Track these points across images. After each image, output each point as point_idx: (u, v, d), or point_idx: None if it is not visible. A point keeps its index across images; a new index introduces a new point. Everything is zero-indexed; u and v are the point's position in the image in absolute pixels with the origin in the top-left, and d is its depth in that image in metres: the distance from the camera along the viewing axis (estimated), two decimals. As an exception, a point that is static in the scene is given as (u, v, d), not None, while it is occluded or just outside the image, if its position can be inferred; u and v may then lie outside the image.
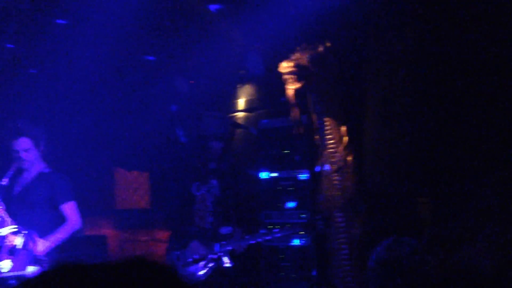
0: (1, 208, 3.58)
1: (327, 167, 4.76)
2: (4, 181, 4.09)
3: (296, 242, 5.04)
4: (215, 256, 4.42)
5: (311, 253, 4.93)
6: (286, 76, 4.60)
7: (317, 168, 4.87)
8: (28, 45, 5.38)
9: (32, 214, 4.29)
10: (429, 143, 4.43)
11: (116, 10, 4.63)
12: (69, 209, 4.42)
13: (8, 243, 3.56)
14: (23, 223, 4.14)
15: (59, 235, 4.25)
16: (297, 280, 5.04)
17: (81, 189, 7.10)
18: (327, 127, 4.73)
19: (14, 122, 4.43)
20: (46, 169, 4.50)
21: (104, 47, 5.49)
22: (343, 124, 4.71)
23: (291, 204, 4.98)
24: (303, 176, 5.13)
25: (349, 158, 4.68)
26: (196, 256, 4.60)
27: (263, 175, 5.30)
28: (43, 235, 4.15)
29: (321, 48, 4.58)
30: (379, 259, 2.29)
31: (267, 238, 4.68)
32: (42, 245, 4.00)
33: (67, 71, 5.78)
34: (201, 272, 4.57)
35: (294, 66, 4.47)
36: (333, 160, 4.72)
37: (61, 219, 4.37)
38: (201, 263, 4.59)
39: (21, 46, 5.40)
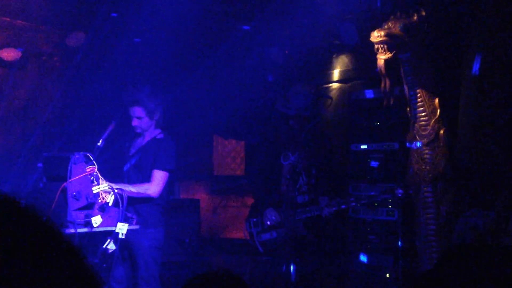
0: (94, 167, 3.81)
1: (418, 140, 4.63)
2: (100, 143, 4.33)
3: (384, 215, 4.98)
4: (291, 223, 4.45)
5: (397, 227, 4.85)
6: (377, 46, 4.49)
7: (408, 141, 4.74)
8: (131, 14, 5.62)
9: (139, 176, 4.53)
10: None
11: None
12: (158, 176, 4.48)
13: (100, 200, 3.79)
14: (133, 183, 4.42)
15: (133, 189, 4.33)
16: (384, 254, 4.99)
17: (181, 155, 7.45)
18: (419, 99, 4.58)
19: (133, 89, 4.63)
20: (160, 135, 4.66)
21: (201, 17, 5.65)
22: (436, 96, 4.54)
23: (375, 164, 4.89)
24: (393, 149, 5.02)
25: (441, 132, 4.52)
26: (270, 223, 4.67)
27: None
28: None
29: (415, 17, 4.42)
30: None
31: (352, 205, 4.62)
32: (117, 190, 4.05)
33: (167, 40, 6.00)
34: (276, 239, 4.65)
35: (385, 35, 4.35)
36: (424, 133, 4.58)
37: None
38: (276, 230, 4.67)
39: (125, 15, 5.66)
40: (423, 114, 4.58)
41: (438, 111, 4.53)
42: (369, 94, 5.25)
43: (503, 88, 4.30)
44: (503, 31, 4.25)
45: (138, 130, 4.63)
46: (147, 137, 4.67)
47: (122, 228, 3.82)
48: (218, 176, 7.85)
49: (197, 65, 6.58)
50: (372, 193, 4.79)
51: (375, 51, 4.55)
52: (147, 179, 4.48)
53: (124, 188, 4.14)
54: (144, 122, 4.58)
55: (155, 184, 4.46)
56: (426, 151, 4.58)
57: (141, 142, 4.70)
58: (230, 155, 8.05)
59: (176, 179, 7.38)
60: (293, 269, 3.99)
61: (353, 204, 4.59)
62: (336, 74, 6.09)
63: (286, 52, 6.25)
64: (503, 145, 4.36)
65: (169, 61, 6.57)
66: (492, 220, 2.66)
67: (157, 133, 4.67)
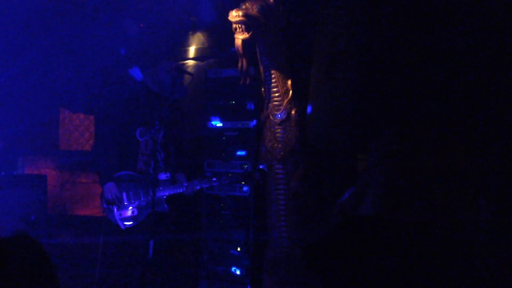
0: None
1: (271, 119, 4.81)
2: None
3: (237, 191, 5.13)
4: (150, 201, 4.44)
5: (250, 202, 5.03)
6: (235, 25, 4.57)
7: (262, 120, 4.92)
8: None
9: None
10: (371, 103, 4.51)
11: None
12: None
13: None
14: None
15: None
16: (236, 229, 5.14)
17: (25, 128, 7.00)
18: (273, 80, 4.76)
19: None
20: None
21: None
22: (289, 78, 4.75)
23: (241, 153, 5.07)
24: (248, 127, 5.17)
25: (293, 112, 4.74)
26: (111, 198, 4.59)
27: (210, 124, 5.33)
28: None
29: (271, -1, 4.56)
30: None
31: (214, 184, 4.74)
32: None
33: (13, 4, 5.58)
34: (136, 216, 4.60)
35: (243, 16, 4.44)
36: (277, 112, 4.77)
37: None
38: (137, 207, 4.63)
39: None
40: (276, 94, 4.76)
41: (291, 92, 4.74)
42: (225, 72, 5.34)
43: (351, 66, 4.60)
44: (350, 19, 4.54)
45: None
46: None
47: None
48: (65, 151, 7.51)
49: (46, 34, 6.21)
50: (236, 171, 4.93)
51: (233, 30, 4.63)
52: None
53: None
54: None
55: None
56: (279, 129, 4.78)
57: None
58: (78, 129, 7.73)
59: (18, 153, 6.95)
60: (151, 245, 4.00)
61: (216, 184, 4.70)
62: (192, 51, 6.09)
63: (141, 25, 6.11)
64: (348, 120, 4.69)
65: (12, 28, 6.11)
66: (353, 193, 2.89)
67: None
